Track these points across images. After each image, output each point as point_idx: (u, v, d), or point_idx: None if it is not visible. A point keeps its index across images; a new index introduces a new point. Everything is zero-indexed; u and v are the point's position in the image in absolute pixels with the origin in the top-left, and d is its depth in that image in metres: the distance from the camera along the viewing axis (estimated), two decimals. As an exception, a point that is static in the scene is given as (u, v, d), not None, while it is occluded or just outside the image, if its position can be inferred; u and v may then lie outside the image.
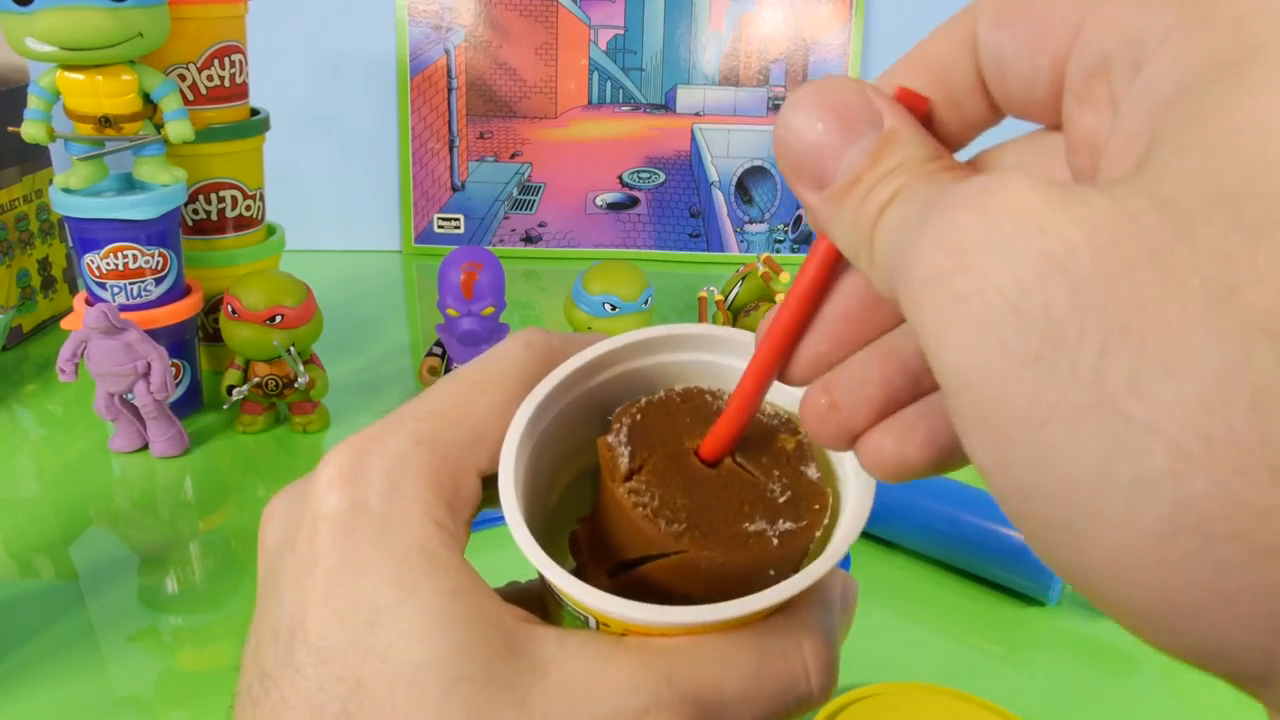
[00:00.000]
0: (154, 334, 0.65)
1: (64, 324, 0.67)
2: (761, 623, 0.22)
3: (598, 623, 0.22)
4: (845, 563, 0.54)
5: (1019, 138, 0.18)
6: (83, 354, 0.61)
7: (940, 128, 0.18)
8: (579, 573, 0.23)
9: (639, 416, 0.24)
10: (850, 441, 0.20)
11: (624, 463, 0.23)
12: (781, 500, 0.23)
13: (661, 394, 0.25)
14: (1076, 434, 0.12)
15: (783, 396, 0.25)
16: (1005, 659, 0.48)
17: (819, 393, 0.20)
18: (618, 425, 0.24)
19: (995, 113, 0.18)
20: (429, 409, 0.23)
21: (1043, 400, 0.12)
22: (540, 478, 0.25)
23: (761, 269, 0.82)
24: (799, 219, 1.09)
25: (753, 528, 0.22)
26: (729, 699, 0.20)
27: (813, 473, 0.24)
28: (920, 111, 0.17)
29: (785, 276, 0.81)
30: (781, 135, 0.17)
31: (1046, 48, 0.16)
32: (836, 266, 0.19)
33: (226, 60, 0.72)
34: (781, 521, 0.22)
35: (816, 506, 0.23)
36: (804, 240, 1.09)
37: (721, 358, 0.26)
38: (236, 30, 0.73)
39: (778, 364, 0.21)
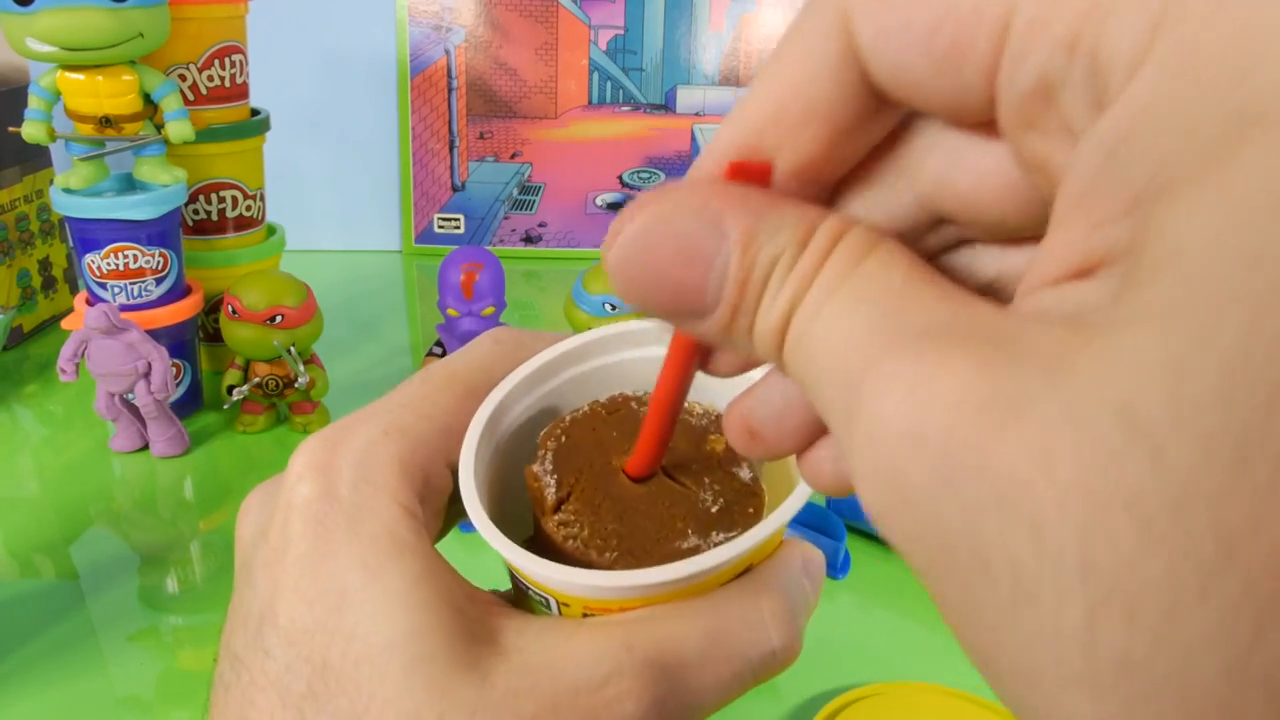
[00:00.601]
0: (154, 334, 0.65)
1: (64, 324, 0.67)
2: (719, 589, 0.22)
3: (559, 606, 0.22)
4: (845, 562, 0.54)
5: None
6: (83, 354, 0.61)
7: (826, 170, 0.15)
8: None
9: (564, 438, 0.24)
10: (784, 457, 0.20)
11: (550, 494, 0.23)
12: (714, 510, 0.23)
13: (586, 408, 0.25)
14: None
15: (716, 391, 0.25)
16: (1005, 659, 0.48)
17: (739, 422, 0.19)
18: (543, 451, 0.24)
19: (899, 116, 0.15)
20: (399, 402, 0.23)
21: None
22: (509, 475, 0.25)
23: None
24: (799, 219, 1.09)
25: (685, 544, 0.22)
26: (690, 660, 0.21)
27: (745, 473, 0.24)
28: (766, 179, 0.14)
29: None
30: (629, 291, 0.15)
31: (961, 62, 0.12)
32: None
33: (227, 60, 0.72)
34: (715, 534, 0.22)
35: (750, 510, 0.23)
36: (804, 240, 1.09)
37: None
38: (237, 30, 0.73)
39: (689, 370, 0.19)
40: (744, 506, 0.23)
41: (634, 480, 0.23)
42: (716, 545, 0.22)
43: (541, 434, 0.25)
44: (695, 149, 1.07)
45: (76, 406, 0.72)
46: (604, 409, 0.25)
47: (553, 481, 0.23)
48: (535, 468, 0.24)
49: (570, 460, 0.24)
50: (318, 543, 0.21)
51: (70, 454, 0.66)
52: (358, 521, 0.21)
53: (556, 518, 0.23)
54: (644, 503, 0.23)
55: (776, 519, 0.21)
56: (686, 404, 0.24)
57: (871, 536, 0.57)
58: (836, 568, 0.53)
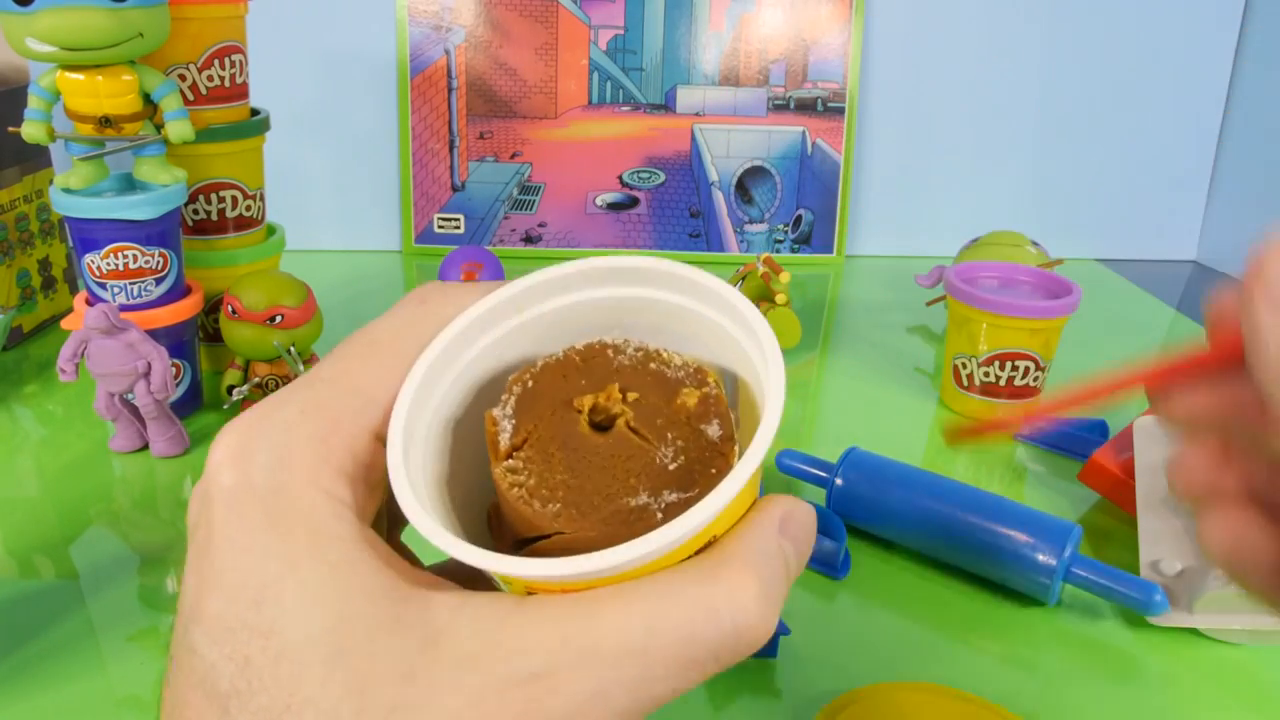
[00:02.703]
0: (154, 334, 0.65)
1: (64, 324, 0.67)
2: (676, 566, 0.21)
3: (501, 580, 0.21)
4: (845, 562, 0.54)
5: None
6: (83, 354, 0.61)
7: None
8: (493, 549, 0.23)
9: (530, 384, 0.23)
10: (1199, 495, 0.21)
11: (505, 439, 0.22)
12: (672, 467, 0.21)
13: (560, 354, 0.24)
14: None
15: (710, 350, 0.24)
16: (1005, 659, 0.48)
17: (1216, 446, 0.21)
18: (506, 395, 0.23)
19: None
20: (317, 377, 0.23)
21: None
22: (467, 440, 0.24)
23: (761, 269, 0.82)
24: (798, 219, 1.09)
25: (635, 502, 0.21)
26: (634, 648, 0.19)
27: (714, 430, 0.22)
28: None
29: (785, 276, 0.81)
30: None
31: None
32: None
33: (227, 60, 0.72)
34: (668, 493, 0.21)
35: (713, 470, 0.21)
36: (804, 240, 1.09)
37: (652, 291, 0.24)
38: (237, 30, 0.72)
39: (1162, 387, 0.22)
40: (706, 466, 0.21)
41: (596, 428, 0.22)
42: (668, 505, 0.21)
43: (511, 377, 0.24)
44: (695, 149, 1.07)
45: (76, 406, 0.72)
46: (579, 355, 0.24)
47: (509, 426, 0.22)
48: (495, 411, 0.23)
49: (532, 407, 0.23)
50: (236, 534, 0.20)
51: (70, 454, 0.66)
52: (275, 510, 0.20)
53: (506, 464, 0.22)
54: (600, 455, 0.22)
55: (732, 483, 0.20)
56: (664, 354, 0.23)
57: (872, 536, 0.57)
58: (836, 568, 0.53)
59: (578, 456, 0.22)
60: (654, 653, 0.19)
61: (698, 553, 0.21)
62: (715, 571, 0.20)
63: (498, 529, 0.23)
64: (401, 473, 0.21)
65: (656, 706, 0.20)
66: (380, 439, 0.22)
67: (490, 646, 0.19)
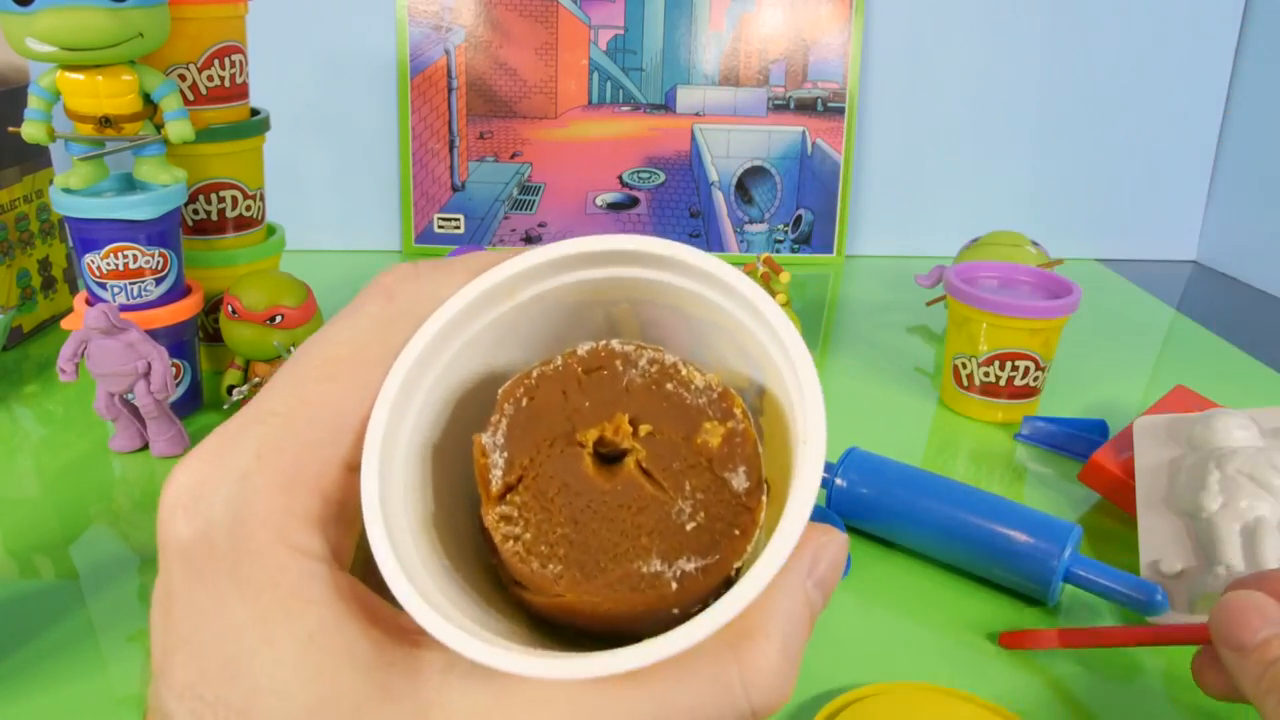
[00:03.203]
0: (154, 334, 0.65)
1: (64, 324, 0.67)
2: None
3: None
4: (845, 562, 0.54)
5: None
6: (83, 354, 0.61)
7: None
8: (492, 583, 0.21)
9: (525, 402, 0.20)
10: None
11: (498, 476, 0.19)
12: (690, 527, 0.19)
13: (560, 362, 0.20)
14: None
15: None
16: (1005, 659, 0.48)
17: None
18: (497, 416, 0.20)
19: None
20: (271, 409, 0.19)
21: None
22: (452, 463, 0.22)
23: (761, 269, 0.82)
24: (798, 219, 1.09)
25: (647, 568, 0.18)
26: None
27: (740, 480, 0.19)
28: None
29: (786, 276, 0.81)
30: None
31: None
32: None
33: (227, 60, 0.72)
34: (685, 559, 0.18)
35: (737, 532, 0.19)
36: (804, 240, 1.09)
37: (660, 274, 0.21)
38: (237, 30, 0.72)
39: (1174, 643, 0.27)
40: (729, 526, 0.19)
41: (604, 461, 0.19)
42: (684, 574, 0.18)
43: (502, 390, 0.20)
44: (695, 149, 1.07)
45: (76, 406, 0.72)
46: (580, 365, 0.20)
47: (501, 461, 0.19)
48: (485, 438, 0.20)
49: (528, 433, 0.20)
50: (199, 598, 0.18)
51: (70, 454, 0.66)
52: (240, 571, 0.18)
53: (499, 510, 0.19)
54: (607, 504, 0.19)
55: (765, 571, 0.17)
56: (683, 370, 0.20)
57: (872, 536, 0.57)
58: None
59: (581, 504, 0.19)
60: None
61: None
62: (735, 648, 0.19)
63: (496, 558, 0.21)
64: (381, 531, 0.19)
65: None
66: (353, 467, 0.20)
67: None
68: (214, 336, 0.75)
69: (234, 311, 0.67)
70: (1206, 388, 0.73)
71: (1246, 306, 1.03)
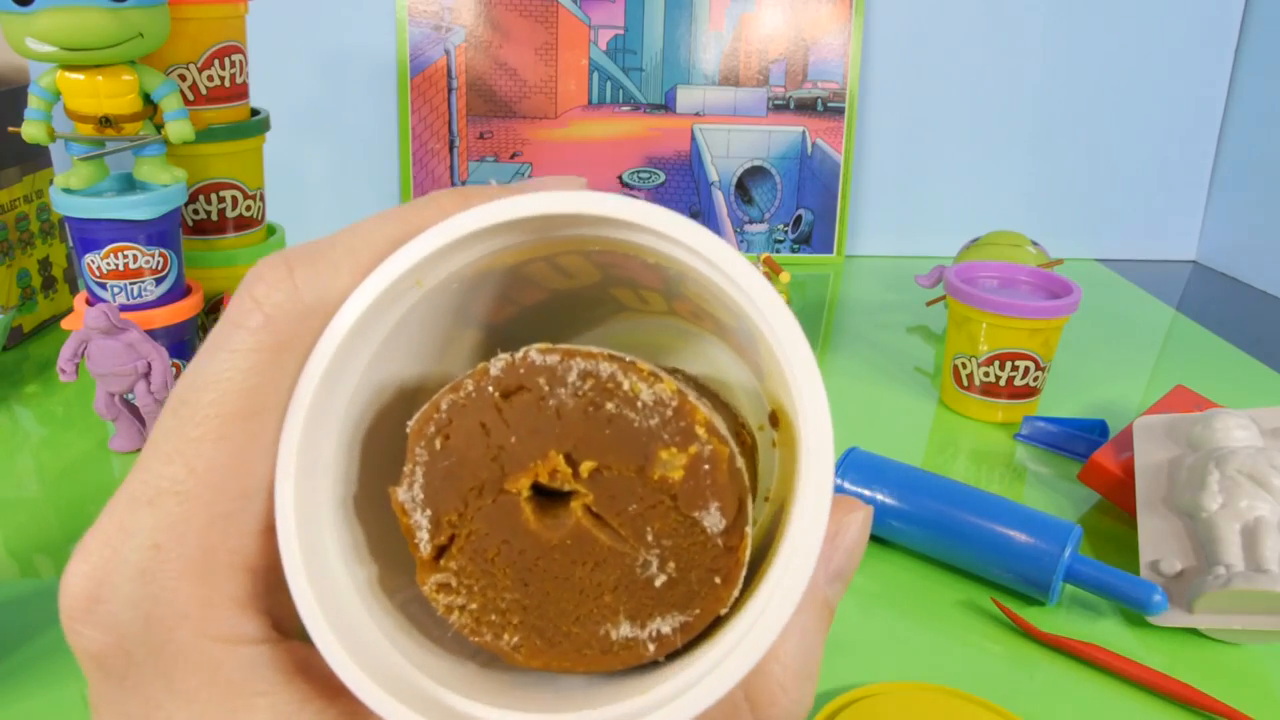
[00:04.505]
0: (154, 334, 0.65)
1: (64, 324, 0.67)
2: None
3: None
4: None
5: None
6: (83, 354, 0.61)
7: None
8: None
9: (439, 442, 0.17)
10: None
11: (425, 540, 0.17)
12: (660, 582, 0.16)
13: (470, 386, 0.17)
14: None
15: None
16: (1005, 659, 0.48)
17: None
18: (410, 465, 0.17)
19: None
20: (158, 486, 0.16)
21: None
22: (385, 506, 0.19)
23: (761, 269, 0.82)
24: (798, 219, 1.09)
25: (616, 633, 0.16)
26: None
27: (714, 520, 0.16)
28: None
29: (786, 276, 0.81)
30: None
31: None
32: None
33: (227, 60, 0.72)
34: (659, 619, 0.16)
35: (718, 580, 0.16)
36: (804, 240, 1.09)
37: (607, 231, 0.17)
38: (237, 30, 0.72)
39: None
40: (708, 574, 0.16)
41: (544, 506, 0.17)
42: (661, 636, 0.16)
43: (410, 428, 0.17)
44: (695, 149, 1.07)
45: (76, 406, 0.72)
46: (497, 387, 0.16)
47: (426, 521, 0.17)
48: (402, 494, 0.17)
49: (451, 484, 0.16)
50: (132, 707, 0.16)
51: (70, 454, 0.66)
52: (170, 678, 0.16)
53: (436, 578, 0.17)
54: (556, 561, 0.16)
55: (764, 636, 0.15)
56: (622, 380, 0.16)
57: (872, 536, 0.57)
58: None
59: (527, 563, 0.16)
60: None
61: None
62: (750, 689, 0.16)
63: None
64: (314, 608, 0.16)
65: None
66: (273, 530, 0.17)
67: None
68: (214, 336, 0.75)
69: (234, 311, 0.67)
70: (1206, 388, 0.73)
71: (1246, 306, 1.03)
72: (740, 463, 0.16)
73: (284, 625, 0.17)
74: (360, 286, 0.17)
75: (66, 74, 0.61)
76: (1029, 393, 0.71)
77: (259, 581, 0.17)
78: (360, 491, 0.18)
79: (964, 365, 0.72)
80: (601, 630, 0.16)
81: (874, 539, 0.57)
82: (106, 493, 0.61)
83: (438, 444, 0.16)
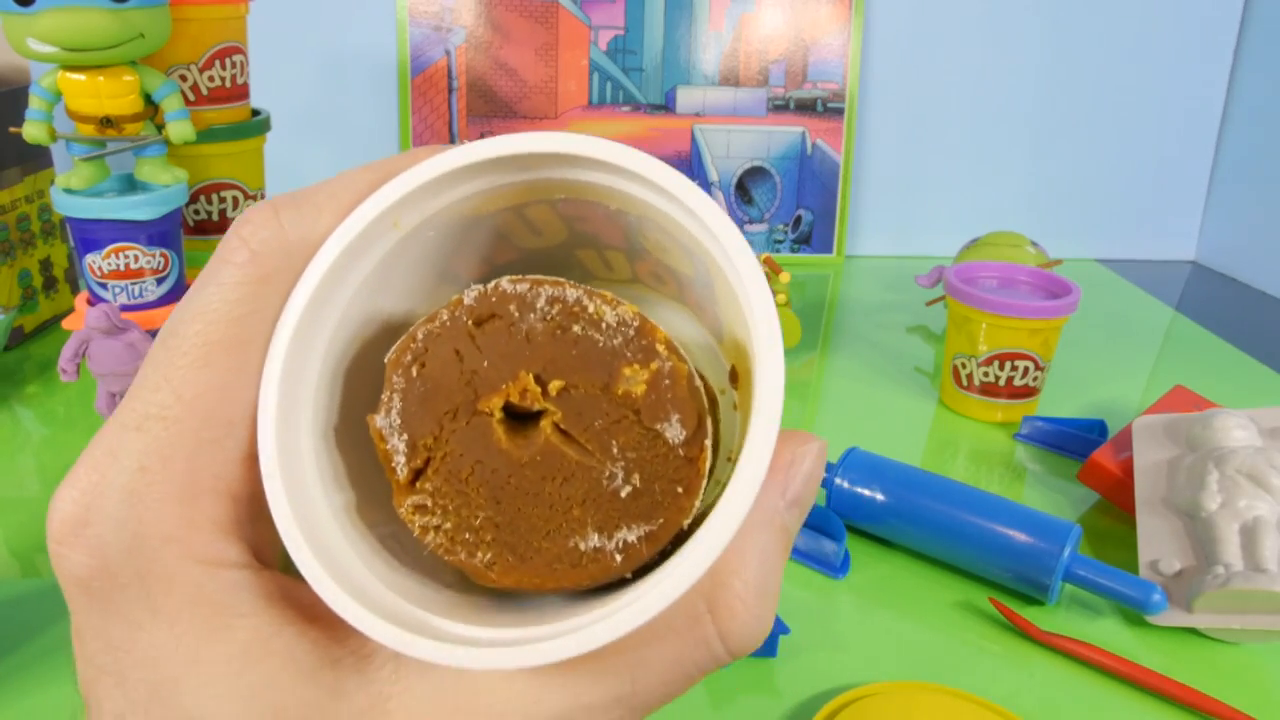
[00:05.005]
0: (155, 334, 0.65)
1: (65, 324, 0.67)
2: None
3: None
4: (845, 562, 0.54)
5: None
6: (84, 354, 0.61)
7: None
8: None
9: (416, 369, 0.17)
10: None
11: (402, 463, 0.17)
12: (625, 493, 0.17)
13: (445, 315, 0.18)
14: None
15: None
16: (1005, 659, 0.48)
17: None
18: (387, 392, 0.18)
19: None
20: (146, 412, 0.17)
21: None
22: (364, 440, 0.19)
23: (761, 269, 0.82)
24: (798, 219, 1.09)
25: (584, 544, 0.17)
26: (618, 696, 0.17)
27: (675, 431, 0.17)
28: None
29: (785, 276, 0.81)
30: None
31: None
32: None
33: (227, 61, 0.72)
34: (625, 529, 0.17)
35: (680, 490, 0.17)
36: (803, 240, 1.09)
37: (572, 172, 0.18)
38: (237, 31, 0.73)
39: None
40: (670, 484, 0.17)
41: (515, 427, 0.17)
42: (627, 545, 0.17)
43: (388, 359, 0.18)
44: (695, 149, 1.07)
45: (78, 406, 0.72)
46: (470, 315, 0.17)
47: (402, 445, 0.17)
48: (379, 421, 0.17)
49: (426, 407, 0.17)
50: (114, 628, 0.17)
51: (71, 454, 0.66)
52: (151, 597, 0.17)
53: (412, 499, 0.17)
54: (528, 478, 0.17)
55: (720, 535, 0.15)
56: (588, 304, 0.17)
57: (872, 536, 0.57)
58: (836, 568, 0.54)
59: (499, 481, 0.17)
60: (640, 694, 0.17)
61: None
62: (709, 596, 0.17)
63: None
64: (293, 528, 0.17)
65: None
66: (255, 459, 0.18)
67: (451, 710, 0.16)
68: (215, 337, 0.75)
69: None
70: (1205, 388, 0.73)
71: (1246, 307, 1.03)
72: (699, 382, 0.17)
73: (263, 555, 0.18)
74: (340, 225, 0.17)
75: (67, 74, 0.62)
76: (1028, 393, 0.71)
77: (241, 509, 0.17)
78: (341, 424, 0.19)
79: (963, 365, 0.72)
80: (571, 543, 0.17)
81: (874, 539, 0.57)
82: (107, 493, 0.62)
83: (414, 371, 0.17)
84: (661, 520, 0.17)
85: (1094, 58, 1.09)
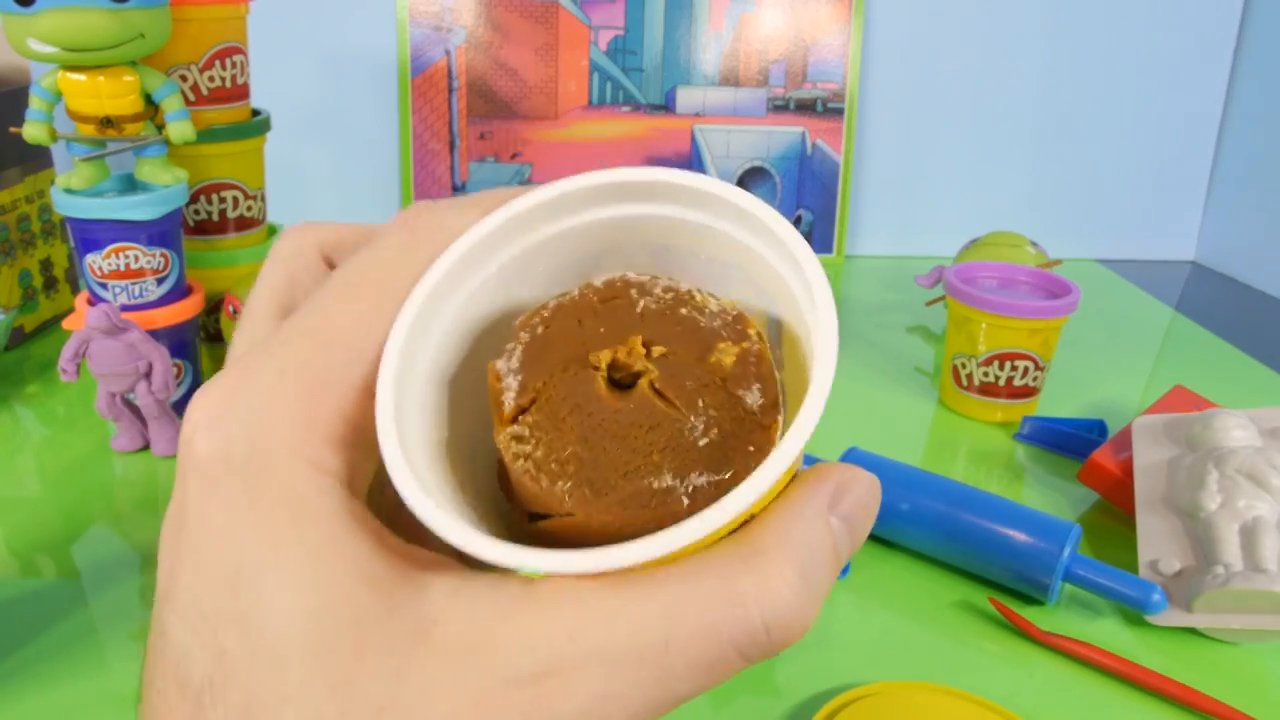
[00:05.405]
0: (155, 334, 0.65)
1: (65, 324, 0.67)
2: (704, 552, 0.18)
3: None
4: (844, 567, 0.55)
5: None
6: (84, 354, 0.61)
7: None
8: (504, 512, 0.21)
9: (540, 330, 0.20)
10: None
11: (510, 399, 0.19)
12: (703, 443, 0.18)
13: (576, 293, 0.20)
14: None
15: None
16: (1005, 659, 0.48)
17: None
18: (513, 344, 0.20)
19: None
20: (297, 329, 0.20)
21: None
22: (468, 391, 0.21)
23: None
24: (798, 219, 1.09)
25: (658, 483, 0.18)
26: (652, 647, 0.17)
27: (754, 398, 0.19)
28: None
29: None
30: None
31: None
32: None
33: (228, 61, 0.72)
34: (697, 474, 0.18)
35: (751, 448, 0.19)
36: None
37: (682, 211, 0.21)
38: (238, 31, 0.73)
39: None
40: (743, 442, 0.19)
41: (618, 387, 0.19)
42: (696, 489, 0.18)
43: (519, 320, 0.20)
44: (695, 149, 1.07)
45: (78, 406, 0.72)
46: (597, 295, 0.20)
47: (515, 384, 0.19)
48: (499, 364, 0.20)
49: (543, 359, 0.20)
50: (212, 511, 0.18)
51: (71, 454, 0.66)
52: (254, 486, 0.18)
53: (511, 429, 0.19)
54: (619, 422, 0.19)
55: (773, 466, 0.17)
56: (698, 296, 0.20)
57: (872, 536, 0.57)
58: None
59: (593, 423, 0.19)
60: (674, 652, 0.17)
61: (732, 533, 0.18)
62: (748, 561, 0.18)
63: (508, 488, 0.21)
64: (394, 442, 0.19)
65: (675, 707, 0.18)
66: (372, 391, 0.20)
67: (489, 641, 0.17)
68: (215, 337, 0.75)
69: (235, 311, 0.67)
70: (1205, 388, 0.73)
71: (1245, 307, 1.03)
72: (779, 372, 0.20)
73: (355, 484, 0.19)
74: (486, 218, 0.21)
75: (68, 75, 0.62)
76: (1028, 393, 0.71)
77: (349, 432, 0.19)
78: (454, 376, 0.21)
79: (963, 365, 0.72)
80: (645, 482, 0.18)
81: (873, 538, 0.57)
82: (108, 493, 0.61)
83: (539, 330, 0.20)
84: (731, 472, 0.18)
85: (1094, 58, 1.09)
